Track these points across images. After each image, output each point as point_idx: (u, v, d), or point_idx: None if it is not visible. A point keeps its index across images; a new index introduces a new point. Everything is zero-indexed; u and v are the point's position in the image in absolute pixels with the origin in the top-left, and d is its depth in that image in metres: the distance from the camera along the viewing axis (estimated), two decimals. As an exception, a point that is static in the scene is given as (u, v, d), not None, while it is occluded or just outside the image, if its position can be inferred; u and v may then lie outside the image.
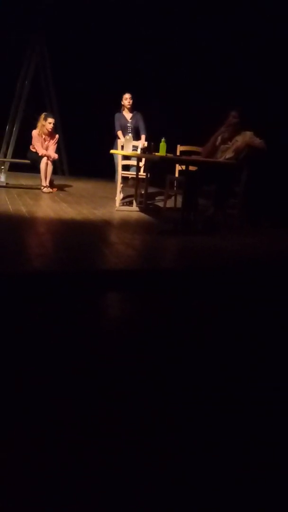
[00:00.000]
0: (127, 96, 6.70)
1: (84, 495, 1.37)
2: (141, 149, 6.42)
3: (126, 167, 6.53)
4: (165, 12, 8.45)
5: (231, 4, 7.28)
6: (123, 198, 6.53)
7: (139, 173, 6.24)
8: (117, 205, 6.12)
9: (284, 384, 2.16)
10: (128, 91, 6.75)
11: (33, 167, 7.28)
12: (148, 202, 6.50)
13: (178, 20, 8.38)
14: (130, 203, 6.39)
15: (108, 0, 8.69)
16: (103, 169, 8.40)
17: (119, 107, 6.79)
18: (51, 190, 7.07)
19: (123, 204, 6.32)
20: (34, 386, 1.91)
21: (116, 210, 5.97)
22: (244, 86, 7.21)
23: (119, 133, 6.61)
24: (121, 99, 6.74)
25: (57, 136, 7.28)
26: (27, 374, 2.01)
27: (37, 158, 7.01)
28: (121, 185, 6.30)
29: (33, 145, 7.04)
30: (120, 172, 6.24)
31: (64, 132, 9.28)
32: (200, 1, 7.89)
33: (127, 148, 6.05)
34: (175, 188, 6.07)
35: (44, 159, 6.92)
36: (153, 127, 6.76)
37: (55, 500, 1.34)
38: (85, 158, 9.52)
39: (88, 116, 9.70)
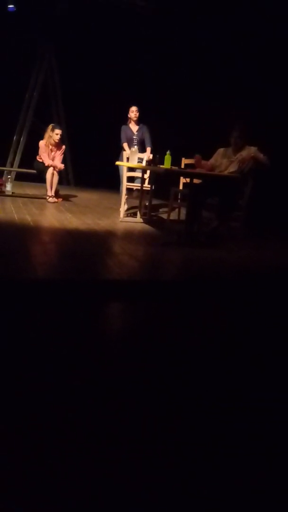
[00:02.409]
0: (133, 109, 6.78)
1: (84, 504, 1.38)
2: (146, 161, 6.48)
3: (131, 179, 6.58)
4: (165, 12, 8.54)
5: (231, 4, 7.36)
6: (128, 209, 6.58)
7: (144, 185, 6.29)
8: (121, 216, 6.16)
9: (286, 394, 2.17)
10: (135, 104, 6.84)
11: (39, 177, 7.36)
12: (152, 213, 6.54)
13: (178, 20, 8.45)
14: (134, 215, 6.43)
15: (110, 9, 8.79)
16: (108, 180, 8.47)
17: (125, 119, 6.87)
18: (56, 200, 7.14)
19: (127, 215, 6.37)
20: (35, 393, 1.93)
21: (120, 221, 6.01)
22: (244, 86, 7.27)
23: (125, 145, 6.68)
24: (127, 111, 6.83)
25: (63, 147, 7.36)
26: (28, 381, 2.03)
27: (43, 168, 7.08)
28: (126, 196, 6.35)
29: (40, 155, 7.13)
30: (125, 184, 6.29)
31: (70, 143, 9.38)
32: (200, 1, 7.97)
33: (133, 160, 6.12)
34: (179, 201, 6.11)
35: (50, 169, 6.99)
36: (157, 137, 6.83)
37: (55, 509, 1.35)
38: (91, 169, 9.60)
39: (94, 127, 9.80)
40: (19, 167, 9.42)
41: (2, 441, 1.61)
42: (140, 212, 6.28)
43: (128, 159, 6.25)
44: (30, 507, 1.34)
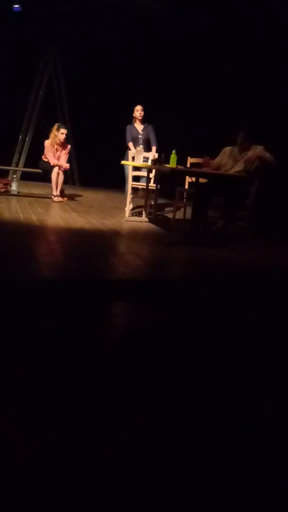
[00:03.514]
0: (138, 108, 6.77)
1: (83, 504, 1.38)
2: (152, 160, 6.47)
3: (136, 178, 6.58)
4: (168, 12, 8.54)
5: (233, 3, 7.37)
6: (133, 209, 6.57)
7: (149, 184, 6.29)
8: (126, 216, 6.16)
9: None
10: (140, 103, 6.83)
11: (45, 177, 7.37)
12: (158, 213, 6.53)
13: (181, 20, 8.45)
14: (139, 214, 6.42)
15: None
16: (113, 180, 8.47)
17: (130, 118, 6.86)
18: (61, 199, 7.14)
19: (132, 214, 6.36)
20: (37, 392, 1.93)
21: (126, 221, 6.00)
22: (248, 84, 7.25)
23: (130, 144, 6.67)
24: (132, 111, 6.82)
25: (69, 146, 7.37)
26: (30, 380, 2.02)
27: (48, 168, 7.09)
28: (131, 195, 6.35)
29: (45, 155, 7.13)
30: (130, 183, 6.29)
31: (75, 143, 9.38)
32: (202, 1, 7.96)
33: (138, 159, 6.11)
34: (184, 200, 6.10)
35: (56, 169, 7.00)
36: (163, 136, 6.82)
37: (55, 510, 1.35)
38: (96, 168, 9.61)
39: (99, 127, 9.81)
40: (24, 166, 9.44)
41: (2, 441, 1.61)
42: (145, 212, 6.27)
43: (133, 158, 6.25)
44: (29, 507, 1.34)
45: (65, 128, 7.27)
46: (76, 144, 9.48)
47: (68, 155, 7.32)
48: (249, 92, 7.23)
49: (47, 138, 7.20)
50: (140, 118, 6.75)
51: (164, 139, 6.83)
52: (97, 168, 9.60)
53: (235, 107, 7.28)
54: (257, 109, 6.76)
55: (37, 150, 7.69)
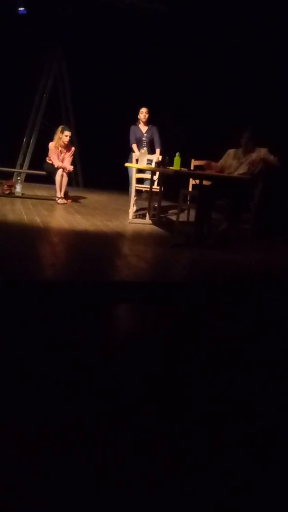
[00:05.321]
0: (143, 110, 6.78)
1: (84, 504, 1.38)
2: (156, 162, 6.48)
3: (140, 180, 6.58)
4: (172, 13, 8.56)
5: (235, 3, 7.37)
6: (137, 211, 6.57)
7: (153, 187, 6.29)
8: (130, 218, 6.16)
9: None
10: (145, 105, 6.84)
11: (49, 179, 7.39)
12: (161, 215, 6.53)
13: (187, 21, 8.46)
14: (143, 216, 6.43)
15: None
16: (117, 182, 8.47)
17: (135, 120, 6.87)
18: (65, 201, 7.16)
19: (136, 216, 6.36)
20: (39, 393, 1.93)
21: (129, 223, 6.01)
22: (253, 85, 7.25)
23: (134, 146, 6.68)
24: (137, 112, 6.83)
25: (73, 148, 7.39)
26: (33, 381, 2.03)
27: (52, 170, 7.11)
28: (135, 198, 6.35)
29: (49, 157, 7.15)
30: (134, 185, 6.29)
31: (79, 145, 9.40)
32: (204, 1, 7.96)
33: (142, 161, 6.11)
34: (188, 202, 6.09)
35: (60, 171, 7.01)
36: (165, 137, 6.82)
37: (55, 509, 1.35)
38: (100, 170, 9.62)
39: (103, 129, 9.82)
40: (28, 168, 9.46)
41: (4, 440, 1.61)
42: (149, 214, 6.28)
43: (137, 160, 6.25)
44: (32, 508, 1.34)
45: (69, 130, 7.30)
46: (80, 146, 9.50)
47: (72, 157, 7.33)
48: (249, 92, 7.22)
49: (51, 140, 7.22)
50: (145, 120, 6.76)
51: (166, 140, 6.83)
52: (101, 170, 9.61)
53: (235, 107, 7.27)
54: (257, 109, 6.76)
55: (42, 152, 7.71)
